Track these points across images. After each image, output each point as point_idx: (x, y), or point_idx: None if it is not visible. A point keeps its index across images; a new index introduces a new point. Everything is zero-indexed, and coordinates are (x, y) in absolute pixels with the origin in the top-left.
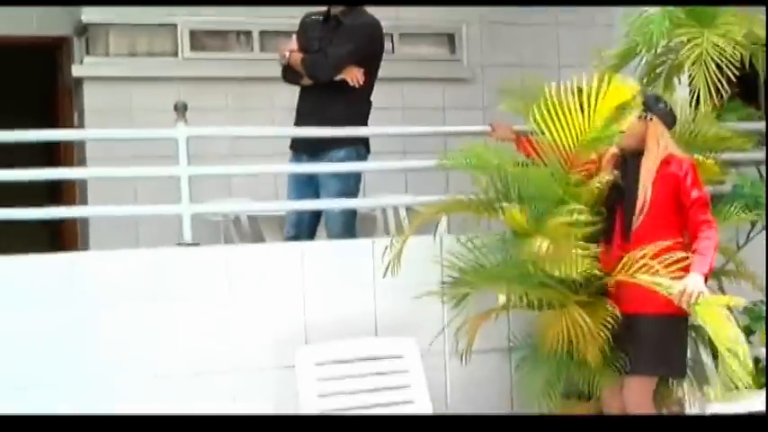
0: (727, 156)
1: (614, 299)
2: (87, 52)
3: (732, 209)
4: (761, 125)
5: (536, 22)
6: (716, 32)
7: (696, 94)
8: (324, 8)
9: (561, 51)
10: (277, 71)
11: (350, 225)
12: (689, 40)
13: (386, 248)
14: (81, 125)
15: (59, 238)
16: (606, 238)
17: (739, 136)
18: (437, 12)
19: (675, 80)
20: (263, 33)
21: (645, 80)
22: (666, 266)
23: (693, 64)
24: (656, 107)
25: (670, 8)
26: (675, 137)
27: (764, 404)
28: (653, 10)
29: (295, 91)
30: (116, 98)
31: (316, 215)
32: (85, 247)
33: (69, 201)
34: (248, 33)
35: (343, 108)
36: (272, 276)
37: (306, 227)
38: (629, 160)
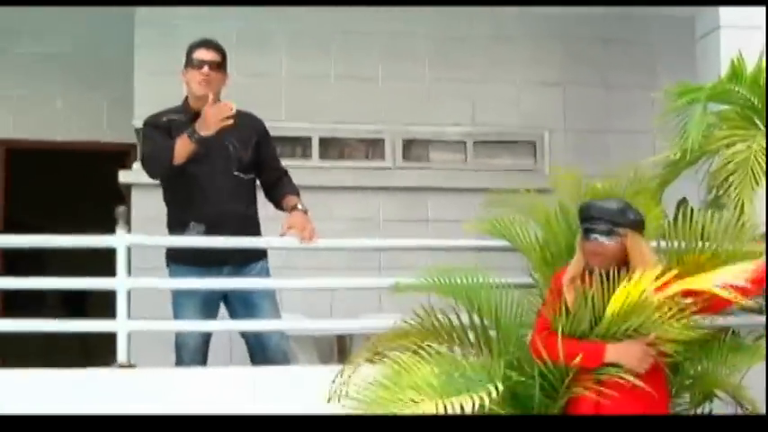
0: None
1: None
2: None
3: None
4: None
5: (630, 129)
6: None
7: None
8: (161, 110)
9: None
10: (336, 180)
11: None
12: (732, 144)
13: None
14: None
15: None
16: None
17: None
18: (517, 118)
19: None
20: (322, 141)
21: (714, 191)
22: None
23: (735, 172)
24: (624, 220)
25: (723, 108)
26: None
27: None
28: (694, 110)
29: (357, 201)
30: (160, 204)
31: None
32: None
33: None
34: (307, 139)
35: (256, 210)
36: (219, 404)
37: (207, 352)
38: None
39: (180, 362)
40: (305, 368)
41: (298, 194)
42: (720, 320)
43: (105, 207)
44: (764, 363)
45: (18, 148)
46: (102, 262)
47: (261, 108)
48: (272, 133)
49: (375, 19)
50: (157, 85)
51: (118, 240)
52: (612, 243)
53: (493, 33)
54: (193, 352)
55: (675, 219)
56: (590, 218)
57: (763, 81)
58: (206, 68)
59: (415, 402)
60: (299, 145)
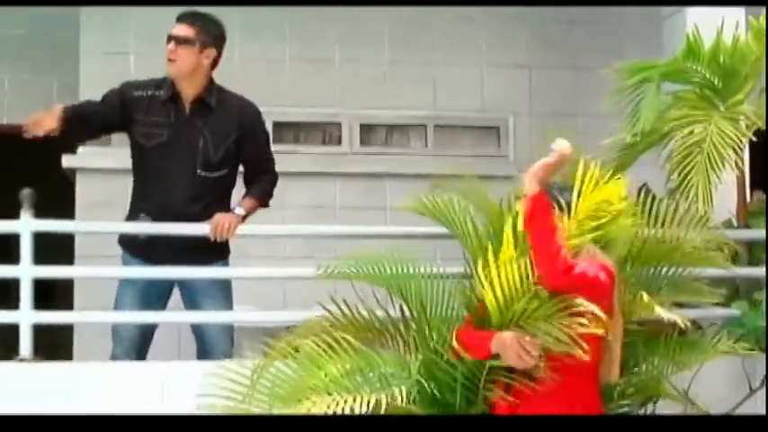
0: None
1: None
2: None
3: (719, 340)
4: None
5: (599, 113)
6: (725, 115)
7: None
8: (150, 78)
9: None
10: (291, 166)
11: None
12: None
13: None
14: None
15: None
16: None
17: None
18: (480, 101)
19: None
20: (276, 124)
21: (677, 174)
22: None
23: (690, 155)
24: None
25: (684, 87)
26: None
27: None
28: (647, 89)
29: (313, 187)
30: (110, 191)
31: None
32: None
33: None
34: None
35: (228, 203)
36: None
37: (146, 347)
38: None
39: (113, 355)
40: (216, 363)
41: (259, 199)
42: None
43: (53, 192)
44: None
45: None
46: None
47: None
48: None
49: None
50: (104, 68)
51: (22, 226)
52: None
53: (456, 14)
54: (127, 346)
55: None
56: None
57: (722, 58)
58: (171, 45)
59: (320, 399)
60: None
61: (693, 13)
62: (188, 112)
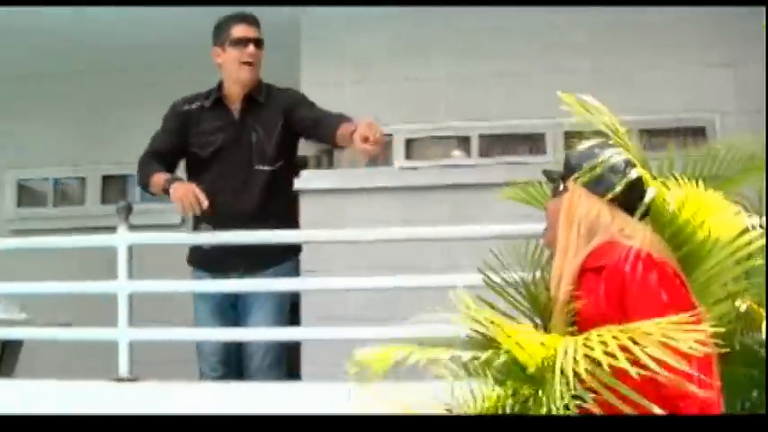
0: None
1: None
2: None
3: None
4: None
5: None
6: None
7: None
8: (195, 93)
9: None
10: (495, 176)
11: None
12: None
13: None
14: None
15: None
16: None
17: None
18: (684, 103)
19: None
20: (482, 137)
21: None
22: None
23: None
24: (565, 169)
25: None
26: None
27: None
28: None
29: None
30: (328, 210)
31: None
32: None
33: None
34: (466, 139)
35: (282, 208)
36: None
37: (235, 363)
38: None
39: (201, 373)
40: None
41: (347, 119)
42: None
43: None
44: None
45: None
46: None
47: (419, 110)
48: (432, 134)
49: (531, 14)
50: (323, 96)
51: (119, 239)
52: (551, 204)
53: (655, 20)
54: (213, 362)
55: None
56: None
57: None
58: (251, 47)
59: None
60: (461, 144)
61: None
62: (238, 112)
